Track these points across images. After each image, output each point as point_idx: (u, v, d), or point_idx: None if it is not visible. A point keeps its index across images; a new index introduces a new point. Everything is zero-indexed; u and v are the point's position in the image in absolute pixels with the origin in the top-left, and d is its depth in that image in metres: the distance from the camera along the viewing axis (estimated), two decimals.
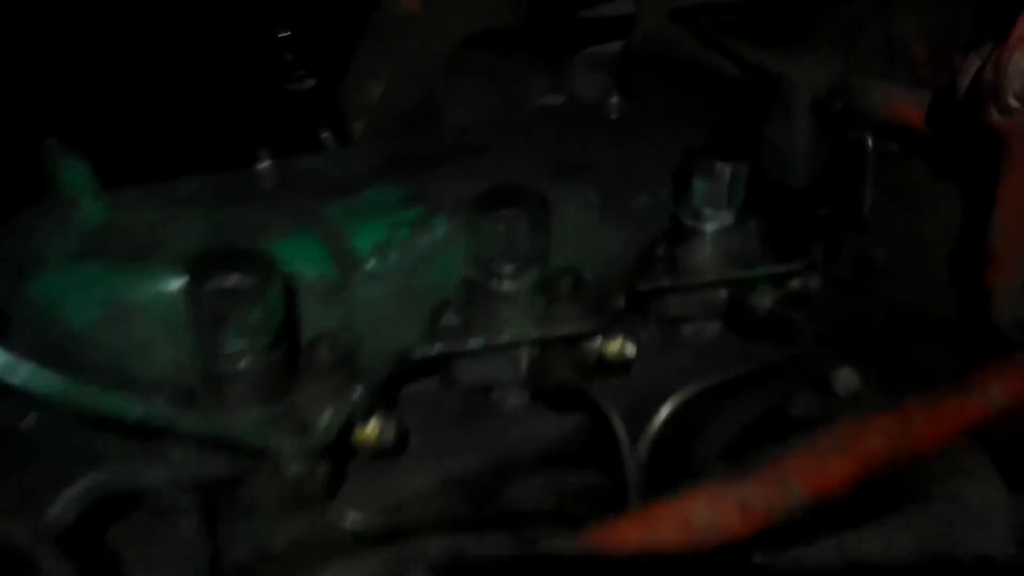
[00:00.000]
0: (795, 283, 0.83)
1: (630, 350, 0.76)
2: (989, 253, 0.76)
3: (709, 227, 0.81)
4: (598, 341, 0.76)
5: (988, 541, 0.75)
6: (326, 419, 0.65)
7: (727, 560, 0.60)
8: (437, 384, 0.78)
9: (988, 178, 0.75)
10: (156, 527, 0.66)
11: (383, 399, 0.69)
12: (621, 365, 0.76)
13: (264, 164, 0.80)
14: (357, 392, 0.66)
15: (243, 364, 0.62)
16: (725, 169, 0.79)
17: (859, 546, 0.74)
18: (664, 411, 0.73)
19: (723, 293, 0.82)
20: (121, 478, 0.61)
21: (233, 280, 0.61)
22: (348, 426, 0.66)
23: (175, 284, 0.66)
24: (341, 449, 0.67)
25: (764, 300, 0.80)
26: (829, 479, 0.61)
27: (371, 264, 0.74)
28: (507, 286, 0.73)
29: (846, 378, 0.78)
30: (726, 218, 0.81)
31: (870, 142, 0.92)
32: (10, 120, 0.82)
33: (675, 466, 0.75)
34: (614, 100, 0.96)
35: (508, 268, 0.73)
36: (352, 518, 0.70)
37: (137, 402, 0.57)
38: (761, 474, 0.60)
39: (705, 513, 0.57)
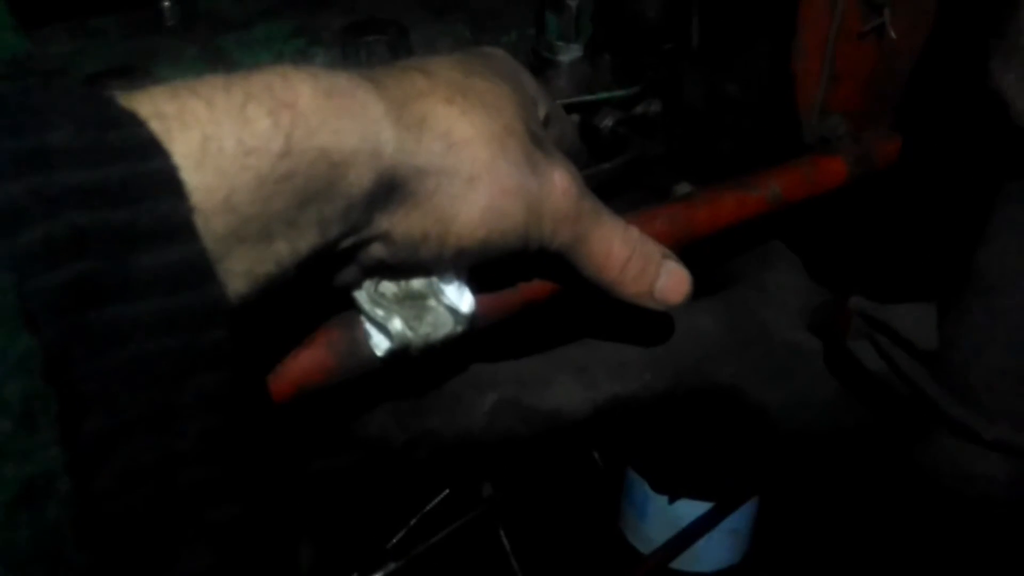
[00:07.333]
0: (638, 108, 0.95)
1: None
2: (793, 76, 0.87)
3: (563, 58, 0.93)
4: None
5: (781, 320, 0.90)
6: None
7: None
8: None
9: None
10: None
11: None
12: None
13: (167, 3, 0.91)
14: None
15: None
16: (572, 4, 0.90)
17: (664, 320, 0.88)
18: None
19: (575, 117, 0.94)
20: None
21: None
22: None
23: None
24: None
25: (607, 121, 0.93)
26: None
27: None
28: None
29: (682, 190, 0.91)
30: (576, 51, 0.92)
31: None
32: None
33: None
34: None
35: None
36: None
37: None
38: None
39: None
